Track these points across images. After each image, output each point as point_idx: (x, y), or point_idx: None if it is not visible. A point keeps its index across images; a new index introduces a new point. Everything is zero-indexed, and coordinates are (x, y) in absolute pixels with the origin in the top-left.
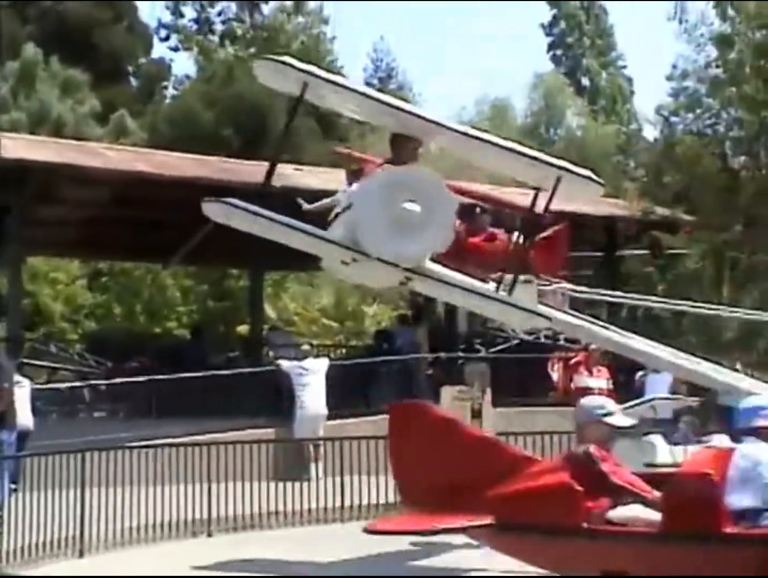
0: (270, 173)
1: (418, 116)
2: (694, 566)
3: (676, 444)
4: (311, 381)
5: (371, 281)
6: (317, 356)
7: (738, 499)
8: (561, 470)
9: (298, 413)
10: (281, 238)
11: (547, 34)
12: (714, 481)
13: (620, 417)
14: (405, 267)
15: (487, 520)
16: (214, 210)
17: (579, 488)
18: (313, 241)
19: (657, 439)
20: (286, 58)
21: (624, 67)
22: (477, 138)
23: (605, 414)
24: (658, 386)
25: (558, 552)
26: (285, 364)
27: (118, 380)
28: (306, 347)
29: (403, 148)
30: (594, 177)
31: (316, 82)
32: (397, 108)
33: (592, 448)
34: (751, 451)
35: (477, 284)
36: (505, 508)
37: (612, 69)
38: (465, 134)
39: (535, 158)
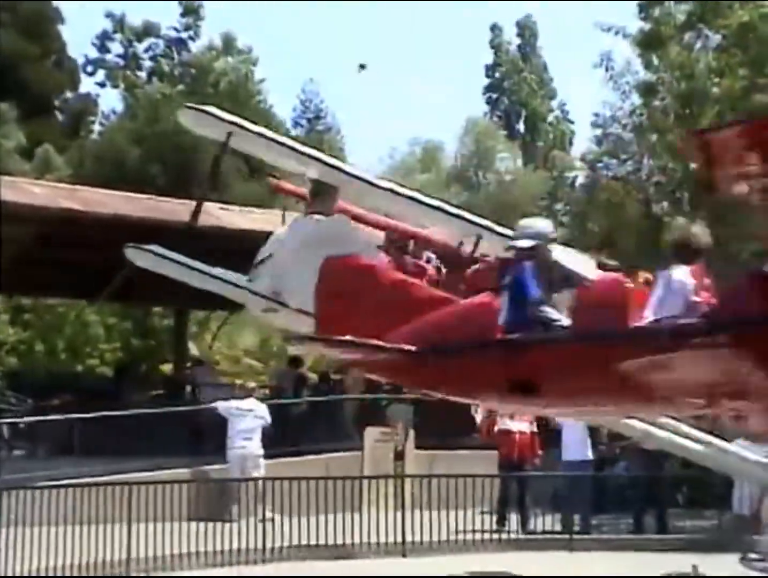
0: (197, 212)
1: (339, 169)
2: (599, 365)
3: None
4: (247, 421)
5: (294, 326)
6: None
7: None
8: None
9: (230, 453)
10: (205, 285)
11: (487, 76)
12: (623, 285)
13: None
14: None
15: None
16: (136, 256)
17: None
18: (236, 291)
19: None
20: (211, 109)
21: (567, 112)
22: (401, 195)
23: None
24: (573, 429)
25: (470, 367)
26: (222, 406)
27: (38, 418)
28: (252, 385)
29: (324, 194)
30: (512, 236)
31: (240, 132)
32: (318, 160)
33: None
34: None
35: None
36: (424, 335)
37: (557, 114)
38: (390, 190)
39: (457, 216)
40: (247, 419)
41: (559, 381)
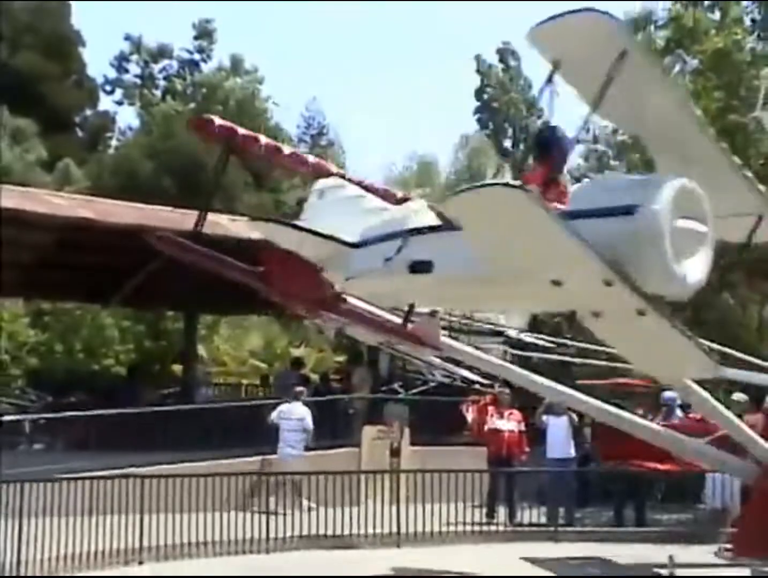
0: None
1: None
2: None
3: None
4: (291, 423)
5: (582, 307)
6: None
7: None
8: None
9: (278, 452)
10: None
11: (477, 99)
12: None
13: None
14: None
15: None
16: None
17: None
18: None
19: None
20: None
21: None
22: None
23: None
24: (558, 428)
25: None
26: (274, 415)
27: (56, 414)
28: (300, 389)
29: (558, 154)
30: None
31: (635, 56)
32: None
33: None
34: None
35: None
36: None
37: None
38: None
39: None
40: (291, 422)
41: None
